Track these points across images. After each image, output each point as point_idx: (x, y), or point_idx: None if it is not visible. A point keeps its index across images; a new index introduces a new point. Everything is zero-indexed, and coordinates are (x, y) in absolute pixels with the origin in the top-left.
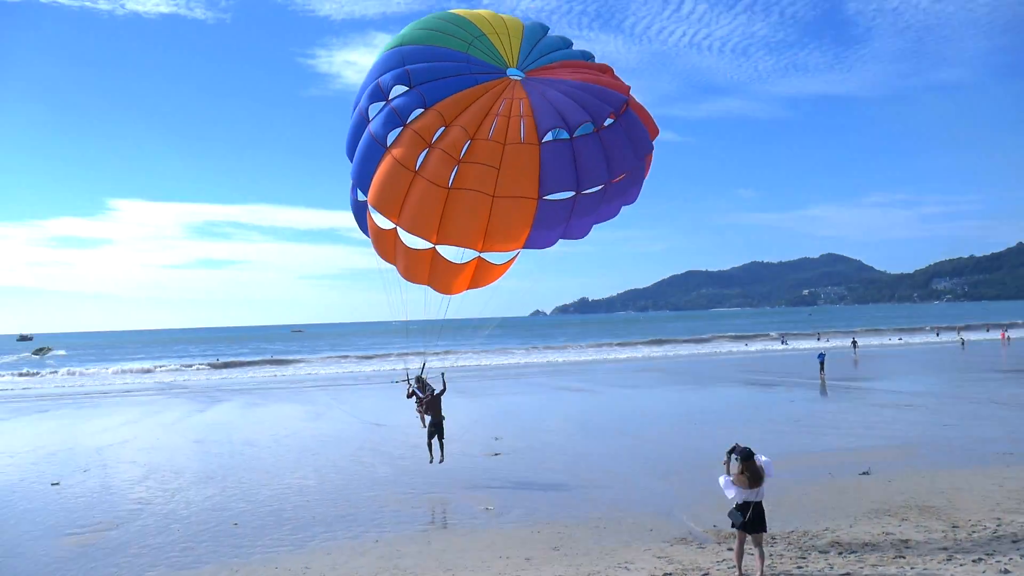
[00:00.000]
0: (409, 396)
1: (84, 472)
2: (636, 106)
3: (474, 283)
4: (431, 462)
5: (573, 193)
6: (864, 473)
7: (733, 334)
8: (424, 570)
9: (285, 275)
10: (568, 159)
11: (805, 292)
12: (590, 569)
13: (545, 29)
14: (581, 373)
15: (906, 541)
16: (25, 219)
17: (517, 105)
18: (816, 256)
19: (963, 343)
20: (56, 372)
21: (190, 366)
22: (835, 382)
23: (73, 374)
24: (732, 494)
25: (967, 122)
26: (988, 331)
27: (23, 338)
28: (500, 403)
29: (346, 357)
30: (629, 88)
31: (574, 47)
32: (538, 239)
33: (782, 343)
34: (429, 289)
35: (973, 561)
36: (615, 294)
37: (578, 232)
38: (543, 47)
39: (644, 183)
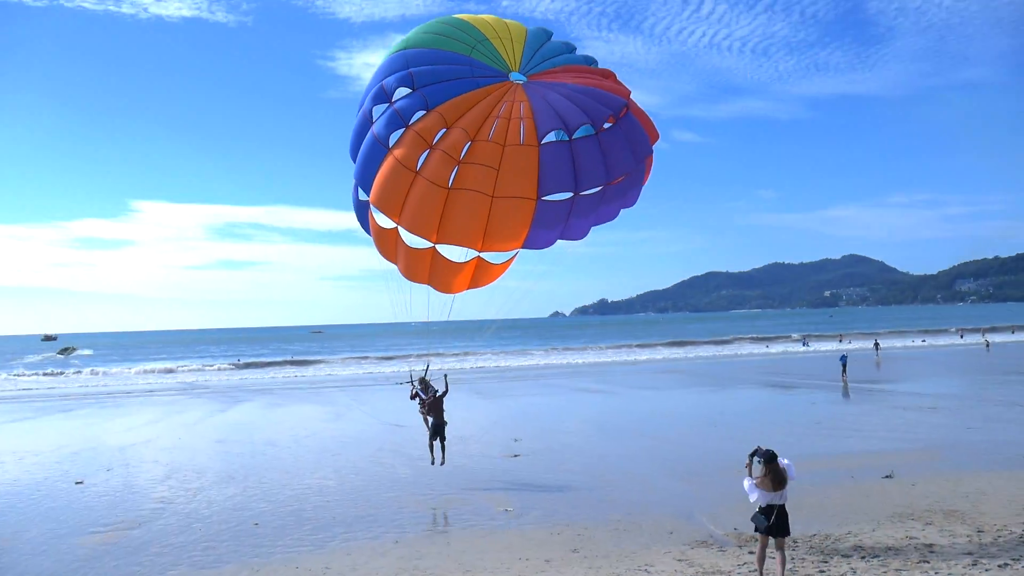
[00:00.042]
0: (412, 398)
1: (107, 471)
2: (636, 110)
3: (474, 283)
4: (432, 464)
5: (571, 194)
6: (887, 476)
7: (754, 336)
8: (443, 571)
9: (305, 276)
10: (567, 160)
11: (827, 293)
12: (609, 572)
13: (548, 34)
14: (600, 375)
15: (930, 545)
16: (49, 220)
17: (518, 108)
18: (838, 257)
19: (988, 345)
20: (80, 372)
21: (211, 366)
22: (857, 384)
23: (96, 374)
24: (755, 497)
25: (990, 121)
26: (1013, 333)
27: (47, 338)
28: (519, 404)
29: (366, 358)
30: (629, 92)
31: (577, 52)
32: (537, 239)
33: (803, 345)
34: (436, 291)
35: (999, 566)
36: (634, 295)
37: (577, 233)
38: (546, 52)
39: (649, 185)
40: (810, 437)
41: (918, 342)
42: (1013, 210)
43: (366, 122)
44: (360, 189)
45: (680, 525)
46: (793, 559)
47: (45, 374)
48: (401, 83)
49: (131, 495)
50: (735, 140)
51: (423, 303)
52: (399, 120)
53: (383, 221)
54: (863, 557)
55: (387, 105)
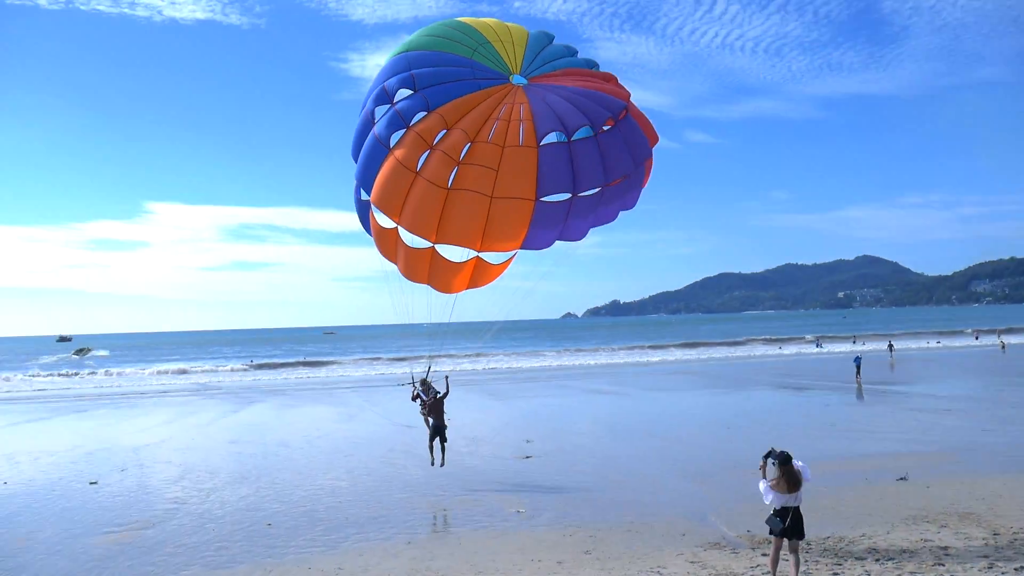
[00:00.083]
0: (414, 399)
1: (121, 471)
2: (636, 113)
3: (473, 283)
4: (432, 464)
5: (570, 195)
6: (901, 479)
7: (767, 337)
8: (455, 573)
9: (318, 277)
10: (565, 162)
11: (840, 294)
12: (622, 573)
13: (550, 37)
14: (612, 376)
15: (945, 548)
16: (64, 222)
17: (517, 110)
18: (852, 258)
19: (1003, 346)
20: (95, 373)
21: (225, 367)
22: (871, 386)
23: (111, 375)
24: (770, 499)
25: (1006, 121)
26: None
27: (62, 339)
28: (531, 405)
29: (378, 359)
30: (629, 95)
31: (584, 54)
32: (535, 239)
33: (817, 346)
34: (436, 291)
35: (1016, 569)
36: (647, 296)
37: (576, 233)
38: (547, 55)
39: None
40: (824, 439)
41: (933, 343)
42: None
43: (368, 123)
44: (361, 189)
45: (693, 527)
46: (807, 561)
47: (60, 375)
48: (403, 84)
49: (145, 495)
50: (748, 141)
51: (424, 304)
52: (400, 121)
53: (383, 221)
54: (877, 560)
55: (389, 106)
